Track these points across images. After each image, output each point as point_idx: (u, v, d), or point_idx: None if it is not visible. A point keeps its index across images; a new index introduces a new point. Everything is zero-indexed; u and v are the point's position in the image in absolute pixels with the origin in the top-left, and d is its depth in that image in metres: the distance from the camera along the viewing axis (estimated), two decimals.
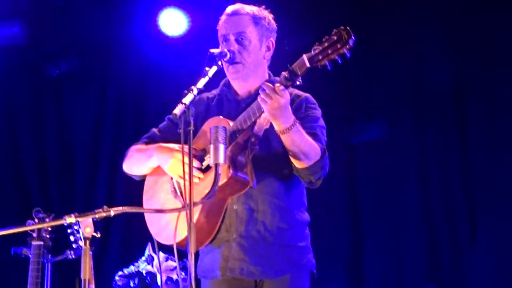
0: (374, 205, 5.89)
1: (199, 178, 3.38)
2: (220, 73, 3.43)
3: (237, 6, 3.63)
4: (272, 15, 3.67)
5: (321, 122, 3.56)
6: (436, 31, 5.82)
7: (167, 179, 3.50)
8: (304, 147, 3.33)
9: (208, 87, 3.35)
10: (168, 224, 3.42)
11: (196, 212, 3.35)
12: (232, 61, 3.52)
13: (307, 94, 3.60)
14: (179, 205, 3.33)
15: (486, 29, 5.67)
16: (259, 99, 3.23)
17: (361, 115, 5.99)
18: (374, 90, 6.02)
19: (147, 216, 3.64)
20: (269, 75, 3.63)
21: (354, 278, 5.87)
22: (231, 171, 3.33)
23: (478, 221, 5.70)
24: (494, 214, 5.60)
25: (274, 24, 3.67)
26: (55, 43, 6.26)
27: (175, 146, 3.40)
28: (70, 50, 6.36)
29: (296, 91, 3.59)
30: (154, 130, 3.72)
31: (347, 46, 3.14)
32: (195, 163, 3.36)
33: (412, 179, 5.87)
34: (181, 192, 3.46)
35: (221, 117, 3.50)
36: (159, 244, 3.59)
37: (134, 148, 3.71)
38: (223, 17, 3.63)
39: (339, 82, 5.74)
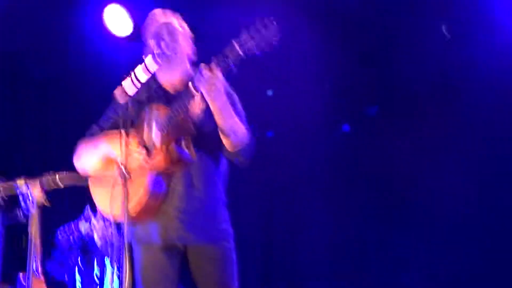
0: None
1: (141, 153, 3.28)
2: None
3: (162, 10, 3.56)
4: None
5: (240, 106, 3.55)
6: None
7: (112, 170, 3.26)
8: (233, 125, 3.33)
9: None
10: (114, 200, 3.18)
11: (145, 197, 3.28)
12: (165, 54, 3.32)
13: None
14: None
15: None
16: (196, 79, 3.16)
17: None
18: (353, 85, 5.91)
19: (98, 200, 3.49)
20: (193, 71, 3.53)
21: None
22: (173, 150, 3.25)
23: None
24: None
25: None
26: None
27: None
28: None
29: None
30: (95, 127, 3.56)
31: (274, 37, 3.00)
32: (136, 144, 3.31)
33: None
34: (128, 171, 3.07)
35: (160, 105, 3.39)
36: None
37: (81, 144, 3.59)
38: (153, 17, 3.52)
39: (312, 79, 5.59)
